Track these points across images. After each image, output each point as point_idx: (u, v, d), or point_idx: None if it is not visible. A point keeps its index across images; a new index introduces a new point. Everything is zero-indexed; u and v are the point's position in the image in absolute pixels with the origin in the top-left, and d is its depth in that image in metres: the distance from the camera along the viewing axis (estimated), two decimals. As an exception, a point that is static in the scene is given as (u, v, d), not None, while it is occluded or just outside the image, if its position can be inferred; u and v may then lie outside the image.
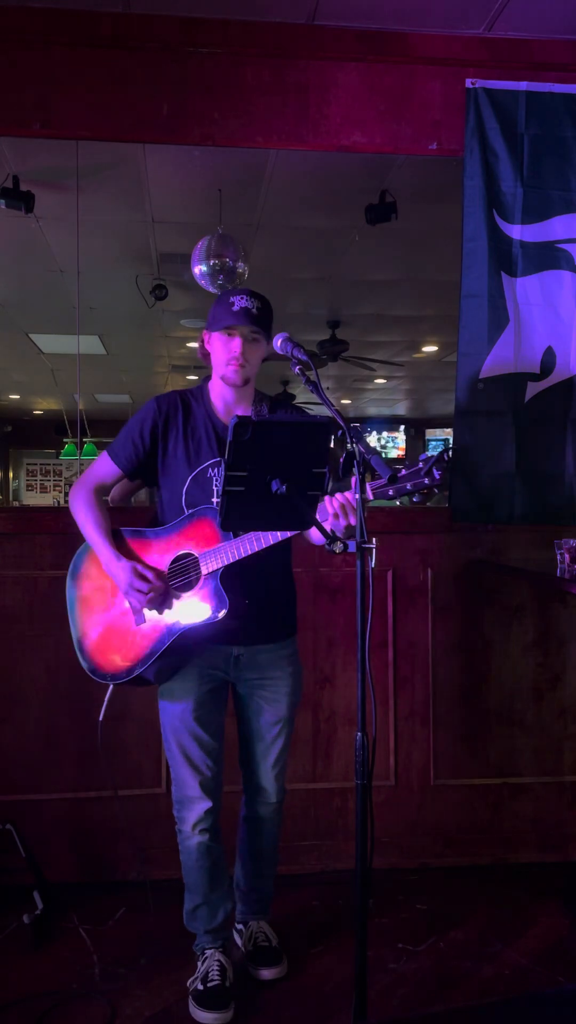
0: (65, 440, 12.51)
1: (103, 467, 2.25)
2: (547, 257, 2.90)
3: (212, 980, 2.16)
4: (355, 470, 1.70)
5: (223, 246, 4.57)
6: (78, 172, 4.12)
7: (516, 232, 2.88)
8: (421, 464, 1.86)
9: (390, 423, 14.80)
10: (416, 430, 14.89)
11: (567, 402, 2.91)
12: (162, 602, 2.11)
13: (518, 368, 2.88)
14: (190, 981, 2.21)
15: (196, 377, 10.33)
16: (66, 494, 14.19)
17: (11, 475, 14.87)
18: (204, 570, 2.04)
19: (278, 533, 1.95)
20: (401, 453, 14.76)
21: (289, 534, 1.95)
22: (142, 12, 2.78)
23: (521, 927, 2.55)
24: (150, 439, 2.20)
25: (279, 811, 2.34)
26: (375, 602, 1.64)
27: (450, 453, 1.86)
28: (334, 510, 1.92)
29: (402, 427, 14.89)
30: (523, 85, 2.88)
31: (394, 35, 2.89)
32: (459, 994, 2.22)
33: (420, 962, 2.38)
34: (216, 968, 2.18)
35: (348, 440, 1.71)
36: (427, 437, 14.90)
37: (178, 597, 2.10)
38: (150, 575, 2.10)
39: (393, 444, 14.83)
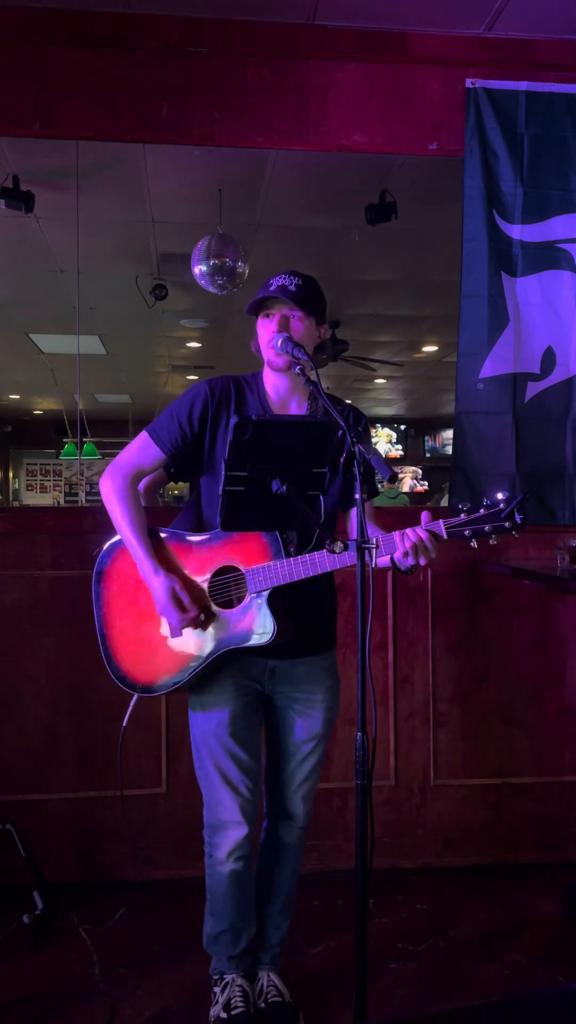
0: (65, 440, 12.51)
1: (143, 451, 2.01)
2: (547, 257, 2.90)
3: (236, 1007, 2.04)
4: (355, 470, 1.66)
5: (223, 246, 4.57)
6: (78, 172, 4.12)
7: (516, 232, 2.88)
8: (502, 504, 1.75)
9: (386, 423, 14.78)
10: (416, 430, 14.89)
11: (567, 402, 2.92)
12: (201, 620, 1.94)
13: (518, 368, 2.88)
14: (212, 1010, 2.08)
15: (195, 377, 10.33)
16: (66, 494, 14.18)
17: (11, 475, 14.87)
18: (252, 589, 1.89)
19: (336, 558, 1.78)
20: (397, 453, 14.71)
21: (348, 561, 1.76)
22: (142, 12, 2.78)
23: (521, 927, 2.56)
24: (199, 424, 1.98)
25: (303, 839, 2.17)
26: (375, 602, 1.62)
27: (528, 493, 1.79)
28: (405, 549, 1.77)
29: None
30: (523, 85, 2.88)
31: (394, 35, 2.89)
32: (459, 994, 2.23)
33: (420, 962, 2.38)
34: (239, 995, 2.07)
35: (348, 440, 1.69)
36: (427, 438, 14.90)
37: (220, 614, 1.94)
38: (187, 600, 1.91)
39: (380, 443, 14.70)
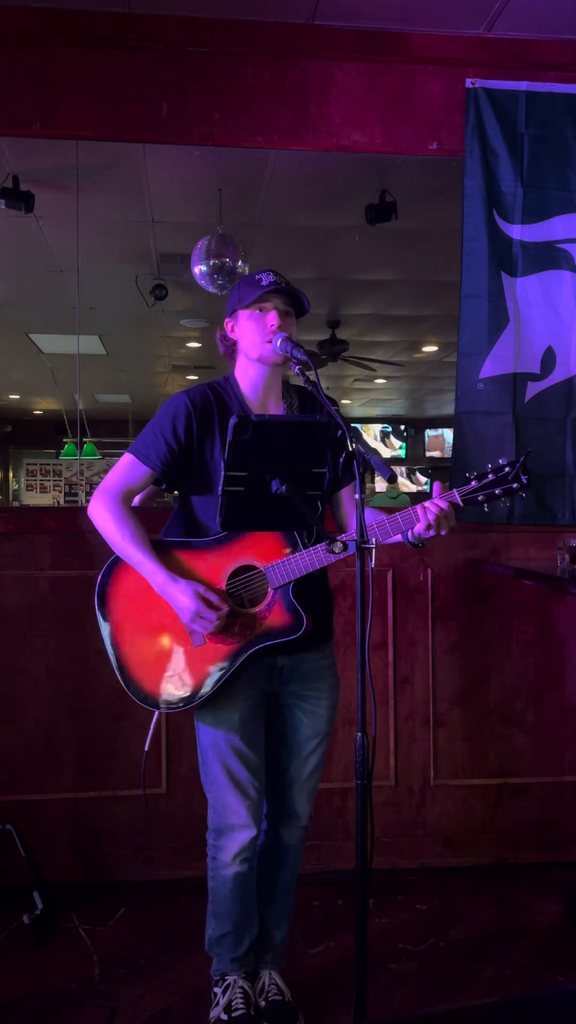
0: (65, 440, 12.51)
1: (130, 471, 1.97)
2: (547, 257, 2.90)
3: (237, 1009, 2.03)
4: (355, 470, 1.66)
5: (223, 246, 4.57)
6: (78, 172, 4.12)
7: (516, 232, 2.88)
8: (508, 469, 1.82)
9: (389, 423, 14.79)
10: (416, 430, 14.89)
11: (567, 402, 2.92)
12: (226, 624, 1.90)
13: (518, 368, 2.88)
14: (212, 1011, 2.07)
15: (196, 377, 10.33)
16: (66, 494, 14.18)
17: (11, 475, 14.87)
18: (274, 584, 1.88)
19: (327, 551, 1.79)
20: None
21: (341, 552, 1.76)
22: (142, 12, 2.78)
23: (521, 927, 2.56)
24: (185, 437, 1.94)
25: (304, 839, 2.17)
26: (375, 602, 1.63)
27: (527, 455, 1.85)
28: (428, 521, 1.80)
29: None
30: (523, 85, 2.88)
31: (394, 35, 2.89)
32: (459, 994, 2.23)
33: (420, 962, 2.38)
34: (240, 996, 2.06)
35: (348, 440, 1.68)
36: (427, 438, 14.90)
37: (244, 613, 1.91)
38: (216, 600, 1.87)
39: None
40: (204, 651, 1.92)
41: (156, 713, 1.98)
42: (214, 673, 1.92)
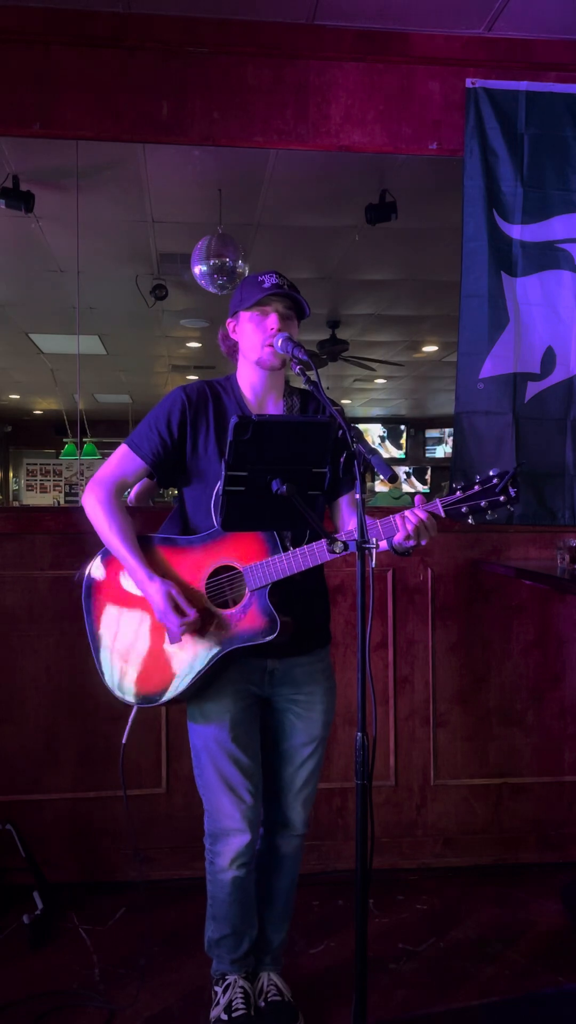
0: (65, 440, 12.52)
1: (124, 463, 2.00)
2: (547, 257, 2.90)
3: (238, 1009, 2.03)
4: (356, 471, 1.66)
5: (223, 246, 4.57)
6: (78, 172, 4.12)
7: (516, 232, 2.89)
8: (496, 480, 1.77)
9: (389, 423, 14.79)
10: (416, 430, 14.88)
11: (567, 402, 2.92)
12: (200, 623, 1.91)
13: (518, 368, 2.88)
14: (213, 1011, 2.07)
15: (195, 377, 10.33)
16: (66, 494, 14.17)
17: (11, 475, 14.87)
18: (251, 586, 1.88)
19: (328, 551, 1.78)
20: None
21: (341, 552, 1.75)
22: (142, 12, 2.78)
23: (521, 927, 2.56)
24: (179, 431, 1.97)
25: (302, 847, 2.15)
26: (375, 602, 1.63)
27: (520, 467, 1.81)
28: (407, 531, 1.78)
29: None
30: (523, 85, 2.88)
31: (394, 35, 2.89)
32: (459, 994, 2.22)
33: (420, 962, 2.38)
34: (240, 997, 2.05)
35: (348, 440, 1.68)
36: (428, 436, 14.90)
37: (220, 614, 1.92)
38: (184, 604, 1.88)
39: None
40: (179, 649, 1.94)
41: (134, 709, 2.01)
42: (186, 671, 1.93)
